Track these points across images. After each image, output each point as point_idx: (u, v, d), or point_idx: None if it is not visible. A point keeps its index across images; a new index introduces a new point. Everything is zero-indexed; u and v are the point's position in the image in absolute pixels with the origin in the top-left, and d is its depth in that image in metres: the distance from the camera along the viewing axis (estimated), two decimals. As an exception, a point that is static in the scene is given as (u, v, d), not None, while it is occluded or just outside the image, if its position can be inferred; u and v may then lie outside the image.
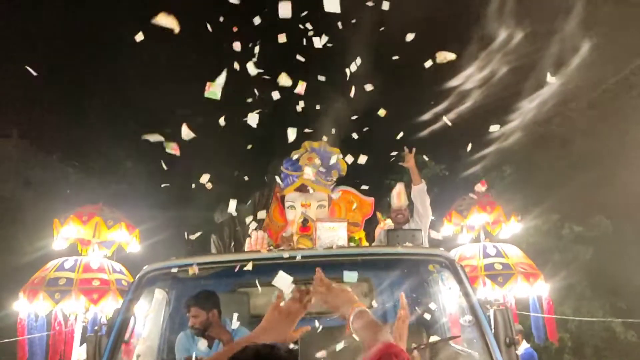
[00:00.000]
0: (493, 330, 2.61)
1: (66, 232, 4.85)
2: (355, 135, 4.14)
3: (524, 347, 5.68)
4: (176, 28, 2.69)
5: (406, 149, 4.71)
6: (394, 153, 5.00)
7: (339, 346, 3.08)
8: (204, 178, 3.47)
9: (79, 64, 15.15)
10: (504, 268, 5.34)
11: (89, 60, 15.28)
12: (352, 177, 4.68)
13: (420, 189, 4.66)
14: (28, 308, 4.73)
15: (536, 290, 5.55)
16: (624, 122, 11.36)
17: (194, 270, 2.73)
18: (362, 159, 3.95)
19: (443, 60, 3.46)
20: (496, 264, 5.36)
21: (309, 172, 4.07)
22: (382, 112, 4.12)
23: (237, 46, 3.36)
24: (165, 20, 2.64)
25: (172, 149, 3.02)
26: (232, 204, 3.84)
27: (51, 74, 14.61)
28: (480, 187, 5.95)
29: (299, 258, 2.90)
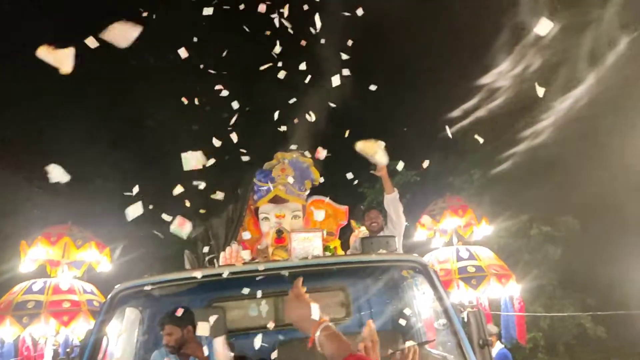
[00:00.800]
0: (466, 332, 2.66)
1: (34, 254, 4.70)
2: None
3: (498, 347, 5.78)
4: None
5: None
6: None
7: (318, 355, 3.09)
8: (177, 190, 3.44)
9: (47, 81, 14.79)
10: (477, 270, 5.44)
11: (57, 78, 14.93)
12: (325, 186, 4.71)
13: (393, 197, 4.72)
14: (-6, 334, 4.56)
15: (508, 291, 5.68)
16: (591, 124, 11.74)
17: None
18: (322, 154, 3.98)
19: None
20: (469, 267, 5.46)
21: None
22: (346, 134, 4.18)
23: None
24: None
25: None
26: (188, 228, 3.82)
27: (16, 91, 14.25)
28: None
29: (273, 270, 2.90)
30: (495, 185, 12.98)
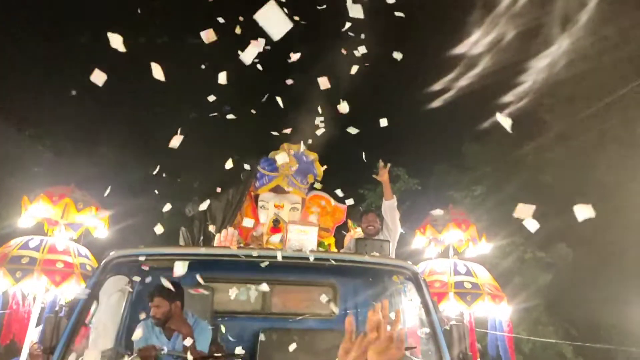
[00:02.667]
0: (448, 345, 2.70)
1: (34, 211, 4.74)
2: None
3: None
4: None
5: (381, 163, 4.78)
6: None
7: (300, 347, 3.13)
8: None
9: (59, 45, 14.80)
10: (473, 287, 5.44)
11: (69, 43, 14.94)
12: (327, 183, 4.74)
13: (391, 204, 4.74)
14: (-16, 285, 4.60)
15: (499, 312, 5.68)
16: (591, 155, 11.78)
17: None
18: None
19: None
20: (466, 283, 5.45)
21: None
22: (353, 130, 4.19)
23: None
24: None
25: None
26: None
27: (29, 50, 14.25)
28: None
29: (266, 258, 2.94)
30: (494, 204, 13.01)
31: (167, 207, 3.84)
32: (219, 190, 4.25)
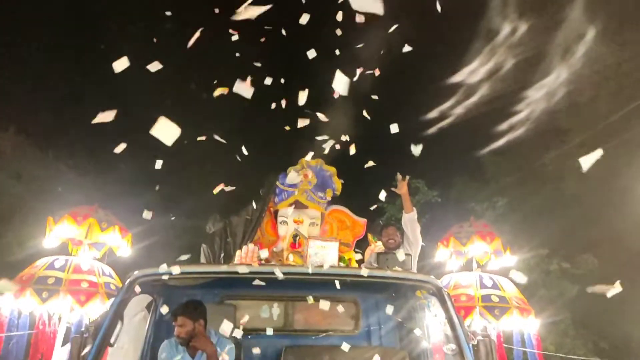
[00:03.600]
0: (476, 360, 2.64)
1: (59, 231, 4.83)
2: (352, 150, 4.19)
3: None
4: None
5: (399, 176, 4.74)
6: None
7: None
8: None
9: (79, 67, 15.23)
10: (501, 301, 5.33)
11: (88, 62, 15.37)
12: (345, 198, 4.73)
13: (411, 217, 4.69)
14: (12, 305, 4.69)
15: (527, 326, 5.55)
16: (616, 163, 11.54)
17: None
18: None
19: None
20: (493, 296, 5.34)
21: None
22: (352, 149, 4.18)
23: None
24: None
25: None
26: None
27: (52, 72, 14.66)
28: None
29: (289, 274, 2.93)
30: (517, 216, 12.80)
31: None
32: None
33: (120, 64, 2.88)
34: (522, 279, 5.86)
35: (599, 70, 11.40)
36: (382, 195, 4.27)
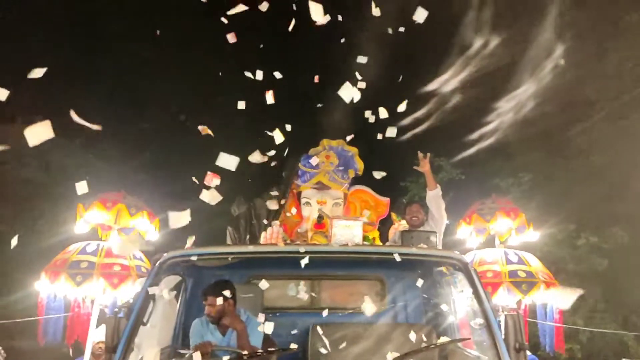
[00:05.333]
0: (503, 335, 2.64)
1: (89, 217, 4.98)
2: (379, 136, 4.17)
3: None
4: None
5: (420, 154, 4.70)
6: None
7: (349, 341, 3.14)
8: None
9: (105, 53, 15.41)
10: (528, 276, 5.33)
11: (114, 49, 15.51)
12: (368, 177, 4.72)
13: (435, 194, 4.65)
14: (48, 289, 4.87)
15: (553, 299, 5.54)
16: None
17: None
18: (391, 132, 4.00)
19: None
20: (519, 271, 5.34)
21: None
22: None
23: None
24: None
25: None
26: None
27: (78, 62, 14.90)
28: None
29: (316, 253, 2.96)
30: (544, 191, 12.58)
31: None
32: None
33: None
34: (535, 236, 5.84)
35: (625, 42, 11.01)
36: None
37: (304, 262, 2.84)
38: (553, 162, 13.20)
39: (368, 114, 4.15)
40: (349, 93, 3.30)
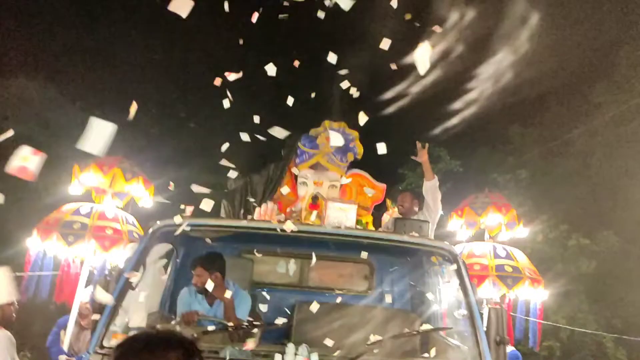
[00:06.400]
0: (485, 327, 2.68)
1: (85, 179, 4.97)
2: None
3: (509, 348, 5.78)
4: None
5: (419, 144, 4.70)
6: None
7: (335, 320, 3.18)
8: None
9: (112, 19, 15.18)
10: (514, 271, 5.45)
11: (121, 17, 15.30)
12: (366, 162, 4.72)
13: (432, 184, 4.66)
14: (38, 246, 4.89)
15: (535, 296, 5.66)
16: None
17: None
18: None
19: None
20: (506, 266, 5.47)
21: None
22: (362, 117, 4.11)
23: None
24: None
25: None
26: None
27: (83, 25, 14.68)
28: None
29: (307, 233, 2.98)
30: (539, 189, 12.63)
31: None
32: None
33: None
34: (524, 232, 5.92)
35: (631, 47, 10.94)
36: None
37: (295, 239, 2.85)
38: (552, 161, 13.24)
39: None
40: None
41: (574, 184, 12.25)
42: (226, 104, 3.72)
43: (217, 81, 3.65)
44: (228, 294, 3.10)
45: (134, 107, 3.51)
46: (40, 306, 6.50)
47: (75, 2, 14.82)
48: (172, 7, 2.66)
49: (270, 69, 3.70)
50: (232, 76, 3.59)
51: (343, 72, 3.93)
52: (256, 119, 3.86)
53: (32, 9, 13.36)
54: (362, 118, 4.02)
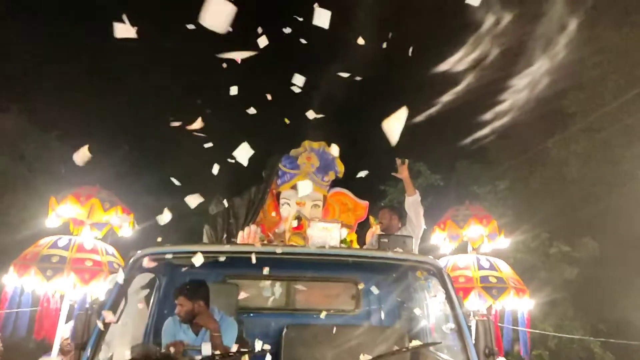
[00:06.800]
0: (474, 340, 2.68)
1: (62, 211, 4.87)
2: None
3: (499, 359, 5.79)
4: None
5: (398, 160, 4.73)
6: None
7: (323, 343, 3.15)
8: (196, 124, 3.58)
9: (83, 47, 15.12)
10: (499, 281, 5.49)
11: (91, 43, 15.26)
12: (347, 180, 4.74)
13: (414, 199, 4.68)
14: (15, 282, 4.75)
15: (521, 306, 5.69)
16: (619, 148, 11.51)
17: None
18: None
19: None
20: (491, 277, 5.51)
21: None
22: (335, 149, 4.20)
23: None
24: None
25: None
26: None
27: (56, 54, 14.58)
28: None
29: (291, 255, 2.95)
30: (519, 199, 12.81)
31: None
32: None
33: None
34: (505, 243, 6.00)
35: (604, 56, 11.30)
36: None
37: (280, 262, 2.83)
38: (529, 171, 13.47)
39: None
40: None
41: (552, 192, 12.47)
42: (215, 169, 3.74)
43: (176, 124, 3.67)
44: (214, 322, 3.05)
45: (84, 151, 3.47)
46: (19, 344, 6.30)
47: (51, 35, 14.75)
48: (206, 23, 2.48)
49: (233, 90, 3.75)
50: (195, 124, 3.61)
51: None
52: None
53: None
54: (335, 149, 4.09)
